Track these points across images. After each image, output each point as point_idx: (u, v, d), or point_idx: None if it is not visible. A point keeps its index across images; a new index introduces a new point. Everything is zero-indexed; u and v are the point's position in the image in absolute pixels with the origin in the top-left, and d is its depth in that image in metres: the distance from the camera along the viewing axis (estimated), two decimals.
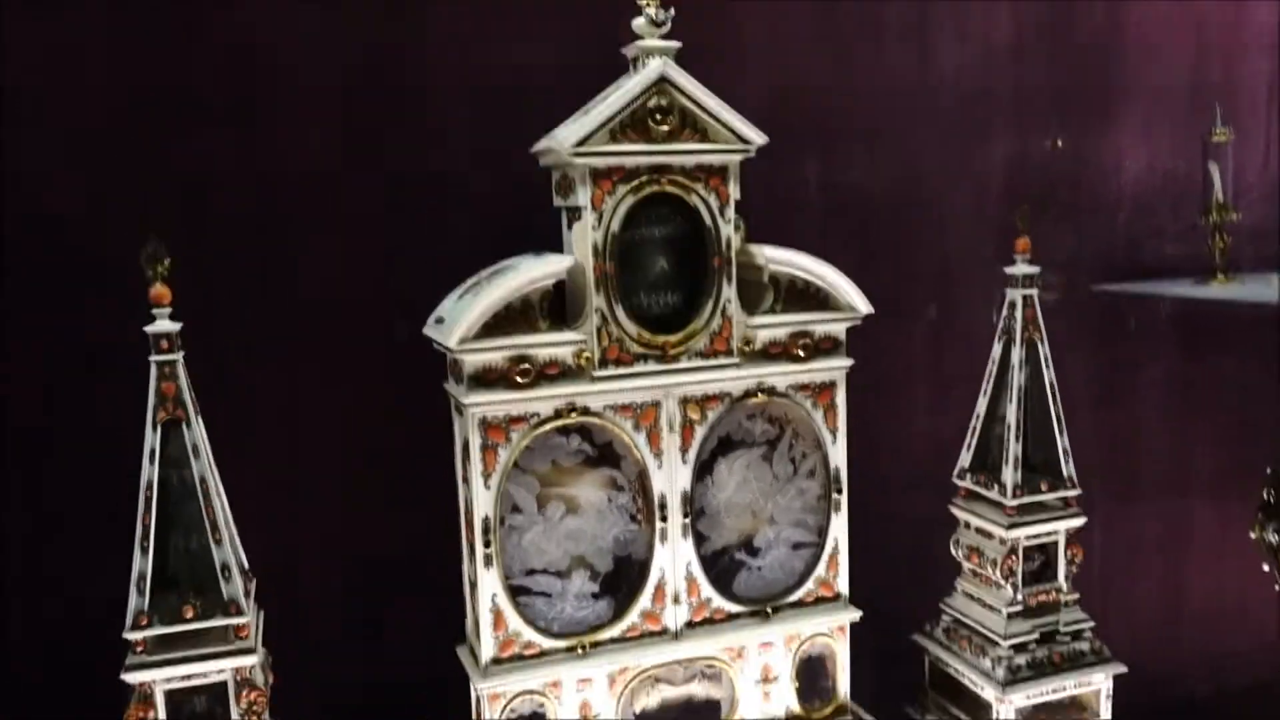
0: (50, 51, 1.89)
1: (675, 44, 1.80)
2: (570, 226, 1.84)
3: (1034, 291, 2.15)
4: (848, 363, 1.98)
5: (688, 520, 1.88)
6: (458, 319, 1.72)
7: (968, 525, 2.23)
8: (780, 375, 1.82)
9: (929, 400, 2.57)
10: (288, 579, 2.02)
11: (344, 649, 2.19)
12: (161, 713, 1.41)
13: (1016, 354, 2.14)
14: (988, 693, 2.11)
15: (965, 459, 2.23)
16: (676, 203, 1.73)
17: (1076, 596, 2.20)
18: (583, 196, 1.78)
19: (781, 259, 1.79)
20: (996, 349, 2.20)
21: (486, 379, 1.65)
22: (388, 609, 2.20)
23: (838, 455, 1.99)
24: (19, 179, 1.90)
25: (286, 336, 2.10)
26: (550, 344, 1.68)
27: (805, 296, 1.81)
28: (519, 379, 1.75)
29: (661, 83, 1.76)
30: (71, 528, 1.94)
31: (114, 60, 1.93)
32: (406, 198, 2.09)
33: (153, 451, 1.45)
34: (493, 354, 1.67)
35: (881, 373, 2.46)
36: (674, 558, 1.89)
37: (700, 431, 1.76)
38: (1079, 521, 2.17)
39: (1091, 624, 2.17)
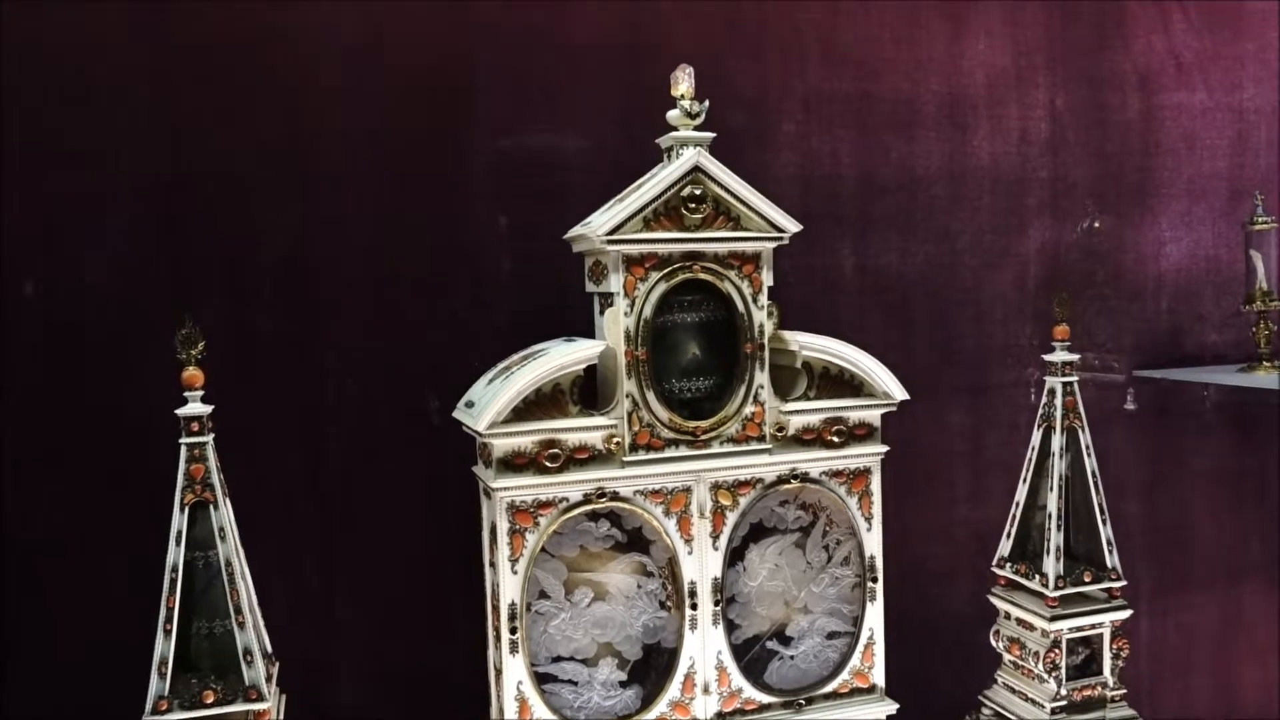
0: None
1: (709, 135, 1.82)
2: (602, 312, 1.85)
3: (1074, 379, 2.12)
4: (883, 449, 1.96)
5: (719, 608, 1.85)
6: (488, 403, 1.72)
7: (1008, 616, 2.17)
8: (814, 461, 1.84)
9: (967, 486, 2.53)
10: (312, 662, 2.01)
11: None
12: None
13: (1057, 441, 2.11)
14: None
15: (1005, 548, 2.19)
16: (709, 289, 1.79)
17: (1123, 691, 2.13)
18: (615, 283, 1.79)
19: (815, 345, 1.81)
20: (1036, 436, 2.16)
21: (515, 463, 1.67)
22: (415, 695, 2.17)
23: (873, 543, 1.96)
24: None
25: (317, 416, 2.11)
26: (580, 429, 1.71)
27: (839, 383, 1.84)
28: (548, 463, 1.75)
29: (695, 172, 1.78)
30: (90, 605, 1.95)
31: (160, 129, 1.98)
32: (441, 282, 2.11)
33: (179, 534, 1.45)
34: (522, 438, 1.69)
35: (918, 458, 2.44)
36: (704, 646, 1.86)
37: (732, 517, 1.77)
38: (1124, 614, 2.11)
39: None
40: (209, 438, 1.60)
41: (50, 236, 1.92)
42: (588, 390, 1.83)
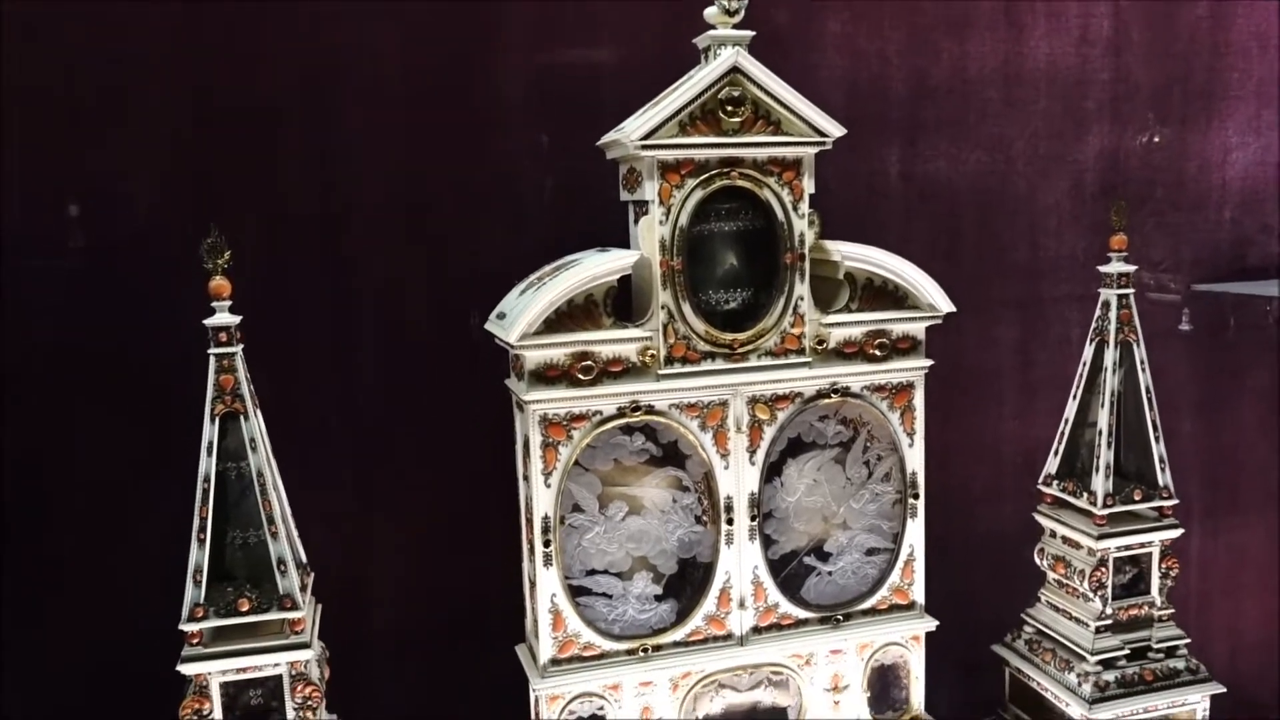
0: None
1: (749, 33, 1.73)
2: (637, 221, 1.79)
3: (1130, 291, 2.03)
4: (927, 363, 1.89)
5: (755, 523, 1.80)
6: (520, 314, 1.68)
7: (1053, 534, 2.12)
8: (855, 376, 1.76)
9: (1015, 404, 2.42)
10: (348, 575, 2.02)
11: (404, 646, 2.18)
12: (217, 705, 1.40)
13: (1110, 356, 2.03)
14: (1073, 709, 2.00)
15: (1052, 465, 2.13)
16: (748, 197, 1.68)
17: (1171, 611, 2.08)
18: (650, 190, 1.73)
19: (858, 255, 1.72)
20: (1088, 351, 2.09)
21: (548, 376, 1.61)
22: (451, 609, 2.18)
23: (915, 459, 1.89)
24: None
25: (349, 332, 2.09)
26: (614, 340, 1.64)
27: (883, 294, 1.75)
28: (581, 376, 1.69)
29: (734, 73, 1.70)
30: (127, 521, 1.96)
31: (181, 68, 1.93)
32: (475, 193, 2.06)
33: (210, 444, 1.44)
34: (555, 350, 1.62)
35: (964, 373, 2.37)
36: (740, 561, 1.83)
37: (769, 432, 1.71)
38: (1175, 533, 2.05)
39: (1187, 641, 2.02)
40: (238, 348, 1.58)
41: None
42: (622, 302, 1.78)
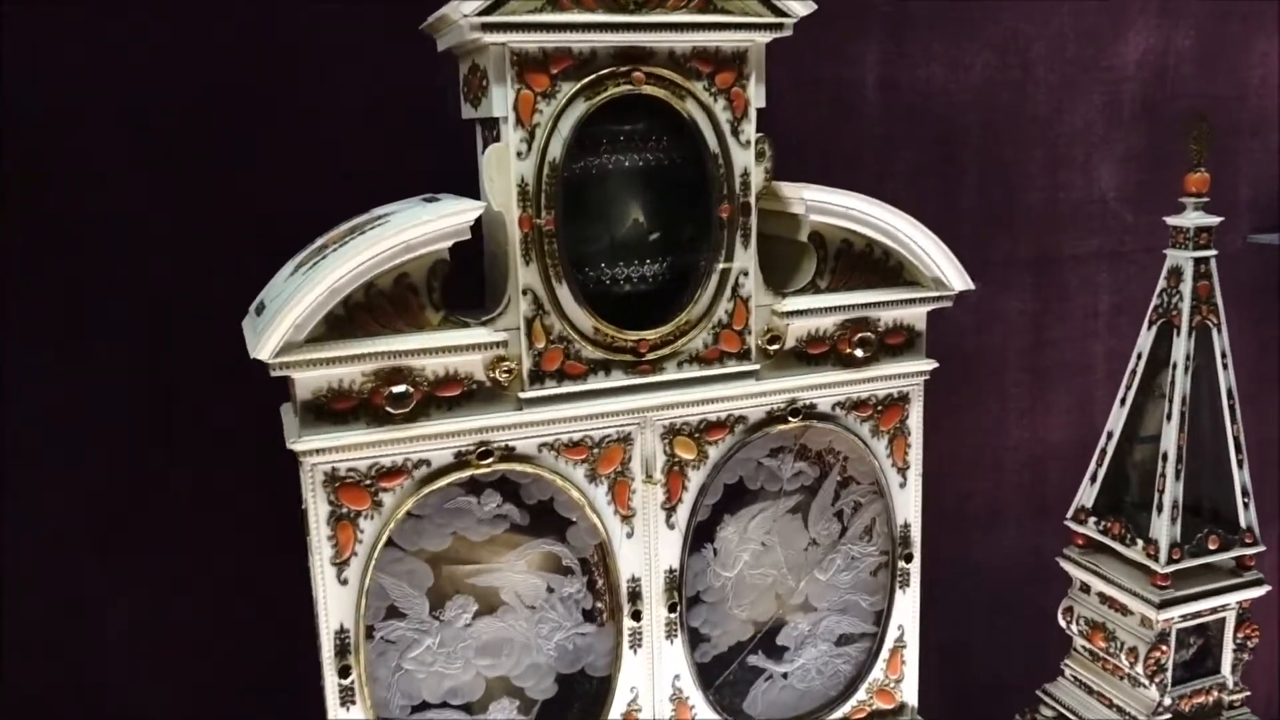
0: None
1: None
2: (484, 152, 1.10)
3: (1211, 254, 1.41)
4: (927, 366, 1.28)
5: (676, 614, 1.20)
6: (280, 311, 1.01)
7: (1086, 589, 1.53)
8: (824, 389, 1.28)
9: (1023, 397, 1.85)
10: None
11: None
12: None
13: (1181, 346, 1.42)
14: None
15: (1087, 494, 1.53)
16: (660, 113, 1.15)
17: (1246, 694, 1.52)
18: (500, 102, 1.06)
19: (831, 205, 1.22)
20: (1146, 338, 1.48)
21: (334, 409, 1.07)
22: None
23: (907, 505, 1.32)
24: None
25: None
26: (445, 348, 1.10)
27: (866, 264, 1.27)
28: (390, 407, 1.04)
29: None
30: None
31: None
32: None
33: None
34: (343, 368, 1.07)
35: (957, 358, 1.75)
36: (654, 671, 1.23)
37: (697, 478, 1.24)
38: (1259, 591, 1.48)
39: None
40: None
41: None
42: (459, 285, 1.11)
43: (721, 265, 1.17)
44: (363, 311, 1.07)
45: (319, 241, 1.11)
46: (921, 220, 1.26)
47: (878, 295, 1.26)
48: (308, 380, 1.06)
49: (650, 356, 1.18)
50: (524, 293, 1.11)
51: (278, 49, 1.37)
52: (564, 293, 1.12)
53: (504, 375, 1.12)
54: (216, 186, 1.37)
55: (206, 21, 1.34)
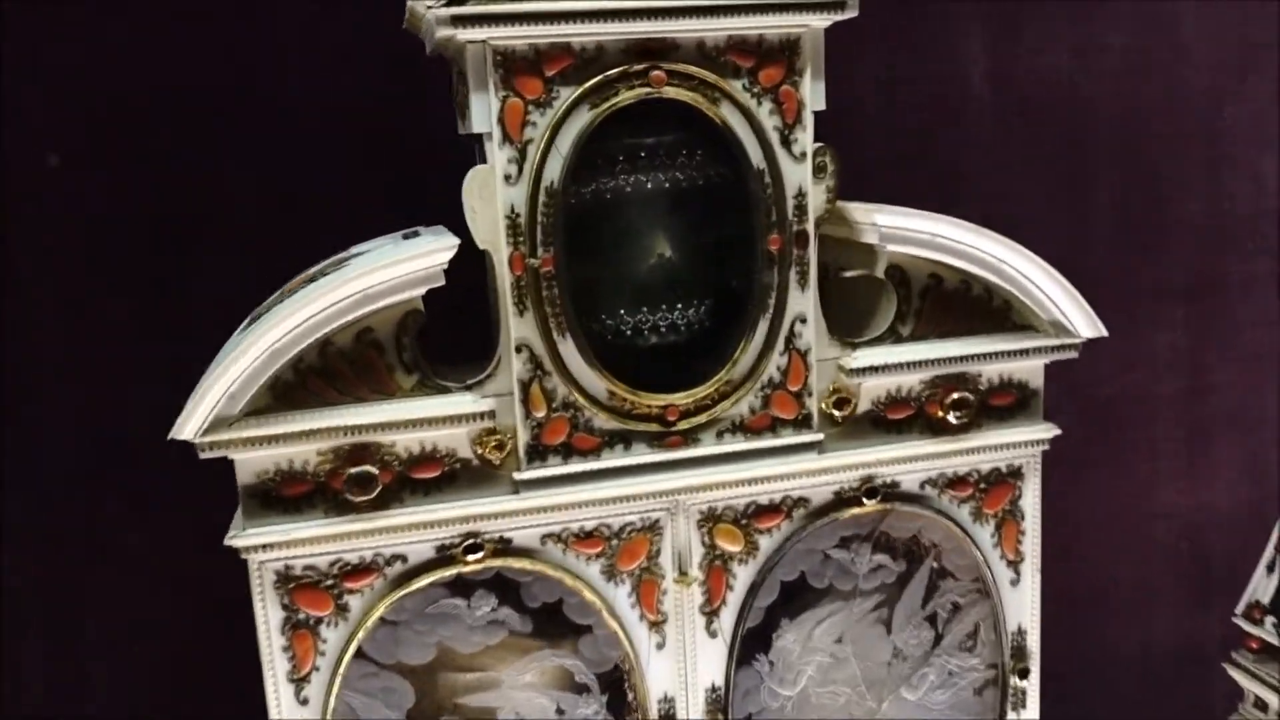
0: None
1: None
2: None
3: None
4: (1047, 432, 1.00)
5: None
6: (208, 379, 0.81)
7: (1263, 706, 1.22)
8: (909, 462, 1.03)
9: (1177, 455, 1.52)
10: None
11: None
12: None
13: None
14: None
15: (1264, 587, 1.25)
16: (689, 121, 0.94)
17: None
18: (481, 113, 0.84)
19: (913, 231, 0.97)
20: None
21: (283, 494, 0.89)
22: None
23: (1021, 606, 1.04)
24: None
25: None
26: (418, 420, 0.89)
27: (963, 304, 1.02)
28: (353, 494, 0.84)
29: None
30: None
31: None
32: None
33: None
34: (292, 446, 0.87)
35: (1093, 408, 1.46)
36: None
37: (745, 575, 1.01)
38: None
39: None
40: None
41: None
42: (440, 343, 0.90)
43: (772, 309, 0.93)
44: (317, 376, 0.87)
45: (279, 293, 0.91)
46: (1045, 243, 1.00)
47: (978, 344, 1.00)
48: (250, 462, 0.87)
49: (681, 426, 0.95)
50: (517, 349, 0.90)
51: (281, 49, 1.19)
52: (568, 348, 0.90)
53: (495, 452, 0.91)
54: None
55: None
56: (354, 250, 0.95)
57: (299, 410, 0.87)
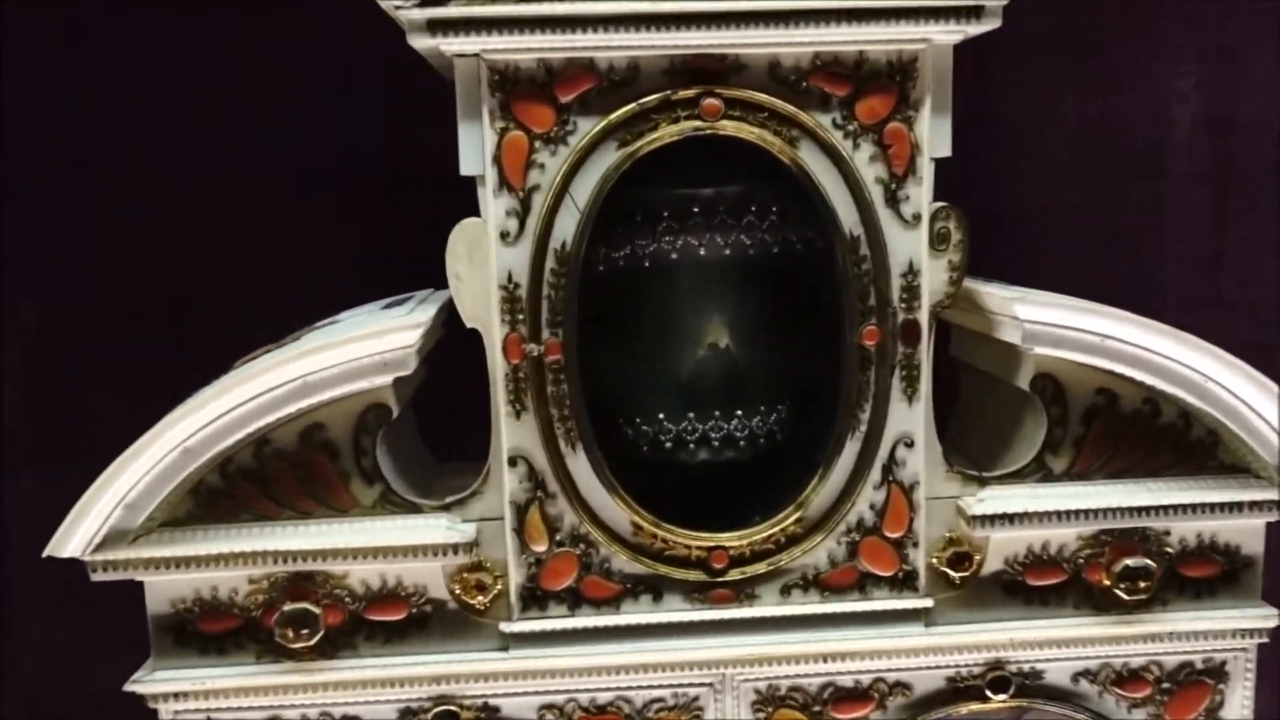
0: None
1: None
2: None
3: None
4: (1268, 619, 0.71)
5: None
6: (102, 482, 0.64)
7: None
8: (1058, 646, 0.75)
9: None
10: None
11: None
12: None
13: None
14: None
15: None
16: (757, 168, 0.71)
17: None
18: (472, 149, 0.65)
19: (1075, 330, 0.70)
20: None
21: (203, 630, 0.70)
22: None
23: None
24: None
25: None
26: (377, 549, 0.69)
27: (1146, 433, 0.74)
28: (290, 638, 0.64)
29: None
30: None
31: None
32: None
33: None
34: (215, 571, 0.69)
35: None
36: None
37: None
38: None
39: None
40: None
41: None
42: (408, 441, 0.70)
43: (865, 426, 0.68)
44: (250, 483, 0.68)
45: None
46: (1243, 350, 0.70)
47: (1168, 492, 0.72)
48: (162, 587, 0.69)
49: (733, 575, 0.71)
50: (511, 462, 0.68)
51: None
52: (580, 464, 0.68)
53: (476, 594, 0.69)
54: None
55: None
56: (333, 320, 0.76)
57: (226, 524, 0.68)
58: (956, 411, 0.87)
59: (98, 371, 1.04)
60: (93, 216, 1.02)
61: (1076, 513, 0.71)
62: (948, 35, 0.66)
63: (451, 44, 0.64)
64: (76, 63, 1.00)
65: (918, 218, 0.68)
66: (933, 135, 0.68)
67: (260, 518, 0.69)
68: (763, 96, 0.66)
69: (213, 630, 0.70)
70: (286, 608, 0.69)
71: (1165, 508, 0.71)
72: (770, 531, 0.70)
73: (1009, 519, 0.70)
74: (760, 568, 0.71)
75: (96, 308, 1.03)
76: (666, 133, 0.66)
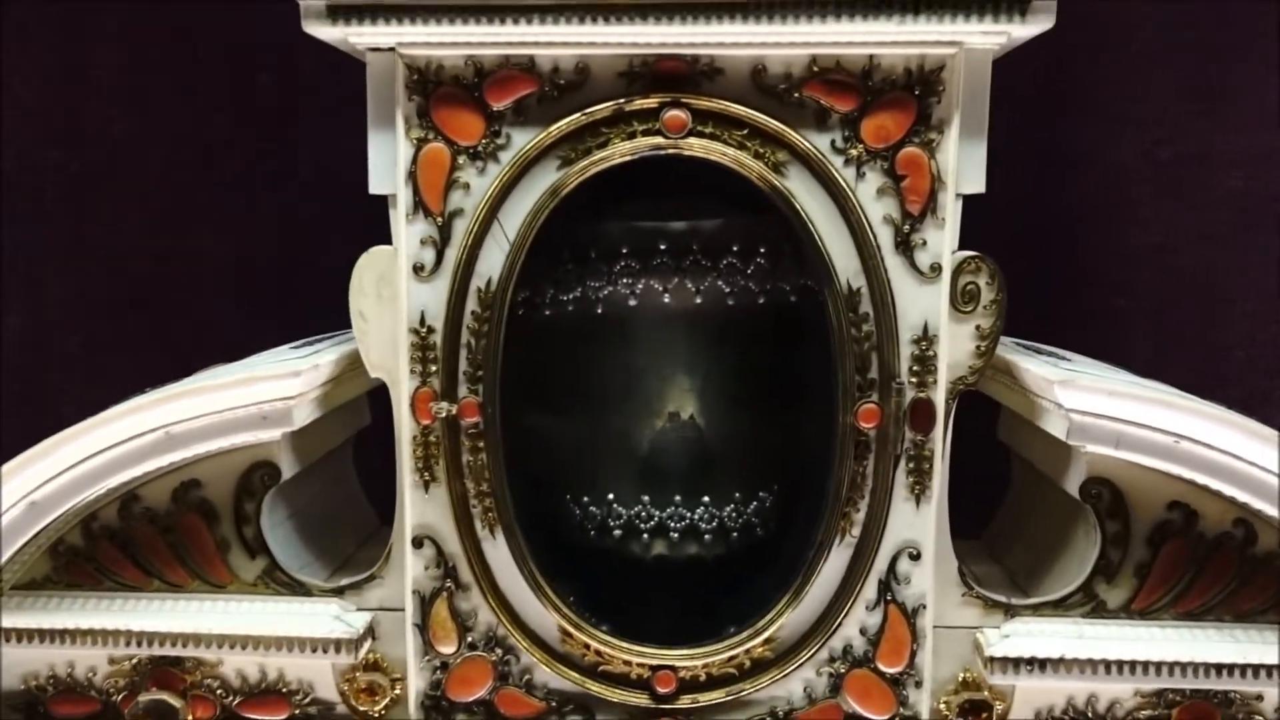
0: None
1: None
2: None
3: None
4: None
5: None
6: None
7: None
8: None
9: None
10: None
11: None
12: None
13: None
14: None
15: None
16: (736, 200, 0.56)
17: None
18: (383, 163, 0.53)
19: (1138, 426, 0.53)
20: None
21: (55, 712, 0.61)
22: None
23: None
24: None
25: None
26: (258, 639, 0.57)
27: (1235, 565, 0.56)
28: None
29: None
30: None
31: None
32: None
33: None
34: (69, 648, 0.59)
35: None
36: None
37: None
38: None
39: None
40: None
41: None
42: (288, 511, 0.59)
43: (859, 530, 0.53)
44: (116, 545, 0.57)
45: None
46: None
47: (1261, 647, 0.54)
48: (14, 657, 0.58)
49: (683, 703, 0.57)
50: (416, 543, 0.55)
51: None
52: (499, 551, 0.55)
53: (367, 700, 0.57)
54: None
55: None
56: (250, 360, 0.66)
57: (87, 592, 0.58)
58: (1005, 504, 0.71)
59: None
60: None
61: (1135, 665, 0.54)
62: (985, 38, 0.51)
63: (362, 35, 0.52)
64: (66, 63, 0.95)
65: (937, 269, 0.53)
66: (961, 165, 0.53)
67: (125, 587, 0.59)
68: (742, 110, 0.52)
69: (66, 714, 0.60)
70: (143, 698, 0.58)
71: (1258, 667, 0.54)
72: (732, 652, 0.56)
73: (1039, 664, 0.54)
74: (717, 695, 0.57)
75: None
76: (619, 150, 0.53)
